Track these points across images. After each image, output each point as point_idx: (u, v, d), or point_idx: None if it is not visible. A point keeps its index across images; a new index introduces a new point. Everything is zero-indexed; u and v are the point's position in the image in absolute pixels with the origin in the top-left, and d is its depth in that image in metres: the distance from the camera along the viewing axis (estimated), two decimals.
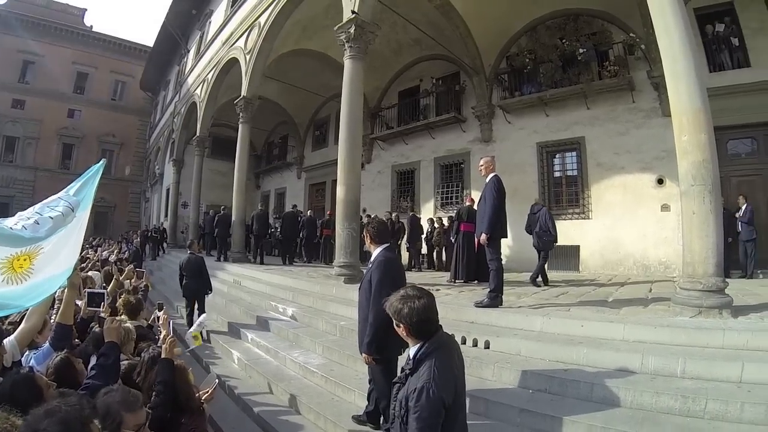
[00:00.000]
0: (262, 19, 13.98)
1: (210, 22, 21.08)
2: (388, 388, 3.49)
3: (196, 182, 18.81)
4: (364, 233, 3.96)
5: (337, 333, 6.25)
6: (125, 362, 3.24)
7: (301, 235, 14.60)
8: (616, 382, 3.58)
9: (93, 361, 3.19)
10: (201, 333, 5.38)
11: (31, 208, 3.34)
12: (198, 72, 20.95)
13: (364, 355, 3.65)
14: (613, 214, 11.05)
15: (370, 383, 3.99)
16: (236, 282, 11.20)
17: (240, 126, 14.63)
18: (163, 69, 29.84)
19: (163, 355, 3.08)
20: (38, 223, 3.11)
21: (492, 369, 4.24)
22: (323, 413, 4.38)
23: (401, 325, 2.20)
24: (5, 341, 2.91)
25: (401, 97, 16.59)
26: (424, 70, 15.66)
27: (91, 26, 36.87)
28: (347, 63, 9.17)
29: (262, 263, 13.76)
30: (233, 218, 14.59)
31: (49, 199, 3.43)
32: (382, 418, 3.78)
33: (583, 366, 4.02)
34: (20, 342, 3.14)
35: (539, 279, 8.21)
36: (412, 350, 2.22)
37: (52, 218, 3.16)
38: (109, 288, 6.15)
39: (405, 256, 12.73)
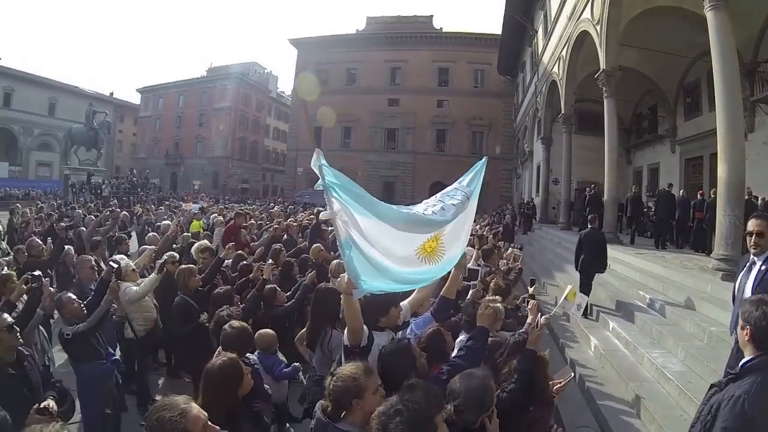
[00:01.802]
0: None
1: (549, 0, 21.54)
2: None
3: (565, 160, 19.53)
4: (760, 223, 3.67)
5: (705, 339, 5.94)
6: (489, 340, 3.42)
7: (675, 217, 13.71)
8: None
9: (461, 336, 3.74)
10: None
11: (434, 197, 3.70)
12: (551, 51, 21.71)
13: None
14: None
15: None
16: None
17: (605, 101, 14.45)
18: (516, 52, 32.31)
19: (528, 345, 3.18)
20: (444, 209, 3.40)
21: None
22: (666, 429, 4.31)
23: (747, 327, 2.24)
24: (401, 304, 3.54)
25: None
26: None
27: (441, 28, 43.56)
28: (709, 15, 8.36)
29: (632, 243, 13.74)
30: (605, 197, 14.63)
31: (448, 189, 3.81)
32: None
33: None
34: (411, 307, 3.76)
35: None
36: (744, 359, 2.26)
37: (454, 205, 3.47)
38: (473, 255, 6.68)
39: None
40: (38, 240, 7.83)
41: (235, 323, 3.58)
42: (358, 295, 2.84)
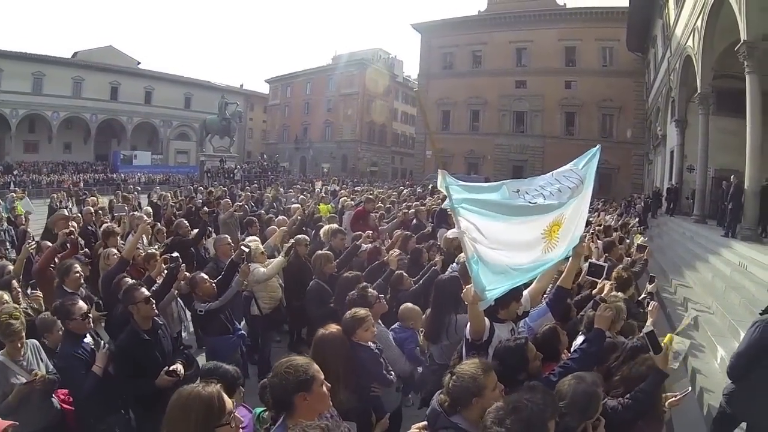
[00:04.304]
0: None
1: None
2: None
3: (702, 145, 17.87)
4: None
5: None
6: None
7: None
8: None
9: (579, 339, 3.63)
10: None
11: (550, 174, 3.71)
12: (684, 21, 19.73)
13: None
14: None
15: None
16: (741, 265, 10.28)
17: (747, 77, 13.01)
18: (646, 26, 30.05)
19: (658, 364, 2.91)
20: (561, 192, 3.45)
21: None
22: None
23: None
24: (524, 292, 3.71)
25: None
26: None
27: (564, 4, 42.15)
28: None
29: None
30: (746, 187, 13.22)
31: (563, 168, 3.84)
32: None
33: None
34: (532, 297, 3.88)
35: None
36: None
37: (570, 188, 3.51)
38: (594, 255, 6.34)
39: None
40: (185, 221, 8.70)
41: (360, 312, 3.75)
42: (484, 306, 3.06)
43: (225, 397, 2.05)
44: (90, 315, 3.77)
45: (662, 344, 2.94)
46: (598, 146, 4.07)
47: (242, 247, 5.37)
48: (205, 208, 10.41)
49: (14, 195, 16.60)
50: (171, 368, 3.65)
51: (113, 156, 51.11)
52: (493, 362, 2.80)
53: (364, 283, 4.48)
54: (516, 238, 3.22)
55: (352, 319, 3.64)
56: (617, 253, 7.02)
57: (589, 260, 5.07)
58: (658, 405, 3.03)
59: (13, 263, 5.63)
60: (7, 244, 8.45)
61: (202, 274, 4.97)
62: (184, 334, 6.09)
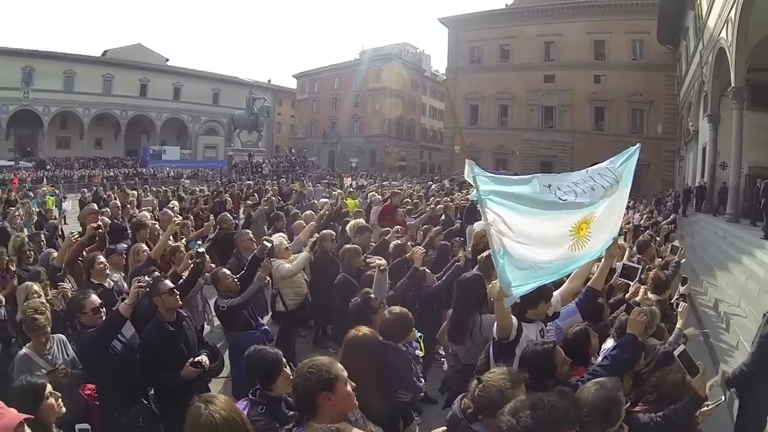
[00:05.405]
0: None
1: None
2: None
3: (735, 140, 17.25)
4: None
5: None
6: None
7: None
8: None
9: (609, 343, 3.48)
10: None
11: (585, 171, 3.62)
12: (717, 12, 18.94)
13: None
14: None
15: None
16: None
17: None
18: (677, 17, 29.09)
19: (695, 388, 2.77)
20: (594, 190, 3.38)
21: None
22: None
23: None
24: (554, 293, 3.61)
25: None
26: None
27: None
28: None
29: None
30: None
31: (600, 166, 3.74)
32: None
33: None
34: (563, 297, 3.78)
35: None
36: None
37: (604, 187, 3.43)
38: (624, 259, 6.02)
39: None
40: (228, 215, 8.81)
41: (395, 309, 3.68)
42: (509, 302, 2.97)
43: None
44: (102, 309, 3.76)
45: (698, 365, 2.79)
46: (637, 145, 3.92)
47: (264, 242, 5.32)
48: (249, 201, 10.51)
49: (45, 189, 16.99)
50: (196, 359, 3.69)
51: (143, 151, 52.21)
52: (522, 373, 2.66)
53: (366, 289, 4.37)
54: (543, 233, 3.15)
55: (404, 317, 3.57)
56: (650, 254, 6.81)
57: (623, 261, 4.94)
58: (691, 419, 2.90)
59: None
60: (41, 236, 8.63)
61: (225, 270, 4.94)
62: (207, 327, 6.20)
